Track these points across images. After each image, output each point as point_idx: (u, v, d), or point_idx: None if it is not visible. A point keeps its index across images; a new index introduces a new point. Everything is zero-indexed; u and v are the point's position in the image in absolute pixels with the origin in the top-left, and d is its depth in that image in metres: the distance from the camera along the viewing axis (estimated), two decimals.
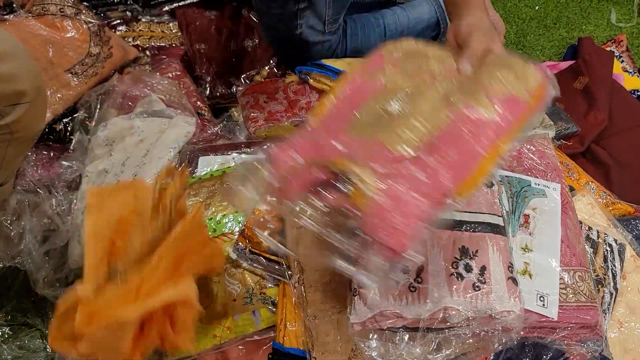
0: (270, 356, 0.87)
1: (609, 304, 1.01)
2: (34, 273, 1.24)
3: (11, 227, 1.27)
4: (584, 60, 1.60)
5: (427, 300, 0.75)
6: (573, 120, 1.44)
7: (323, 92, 1.38)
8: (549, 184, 0.96)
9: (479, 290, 0.76)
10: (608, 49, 1.74)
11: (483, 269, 0.78)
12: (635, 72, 1.67)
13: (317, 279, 0.87)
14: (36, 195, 1.28)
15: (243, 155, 1.16)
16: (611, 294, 1.02)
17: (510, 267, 0.80)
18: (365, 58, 0.81)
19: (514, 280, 0.79)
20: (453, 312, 0.75)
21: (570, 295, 0.85)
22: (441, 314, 0.76)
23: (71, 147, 1.30)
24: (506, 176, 0.95)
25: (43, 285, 1.24)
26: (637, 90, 1.63)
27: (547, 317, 0.82)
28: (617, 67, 1.68)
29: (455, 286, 0.76)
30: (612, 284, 1.02)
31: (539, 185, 0.95)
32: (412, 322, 0.76)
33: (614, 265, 1.04)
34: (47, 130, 1.33)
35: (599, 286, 1.01)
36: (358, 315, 0.77)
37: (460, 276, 0.77)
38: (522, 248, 0.88)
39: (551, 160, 1.00)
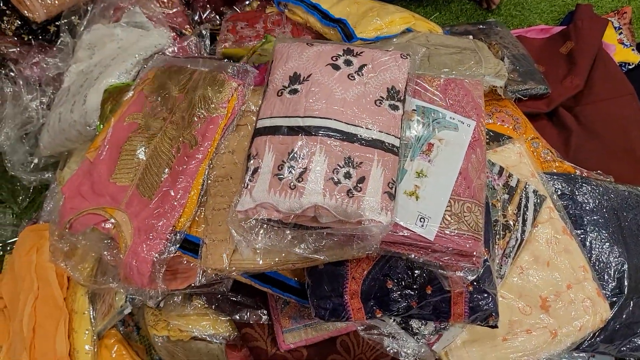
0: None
1: (513, 249, 1.05)
2: (9, 155, 1.38)
3: None
4: (575, 26, 1.57)
5: (302, 198, 0.82)
6: (547, 82, 1.43)
7: (298, 24, 1.43)
8: (464, 120, 0.98)
9: (352, 197, 0.82)
10: (609, 19, 1.69)
11: (362, 179, 0.83)
12: (631, 46, 1.62)
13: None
14: (19, 88, 1.41)
15: None
16: (516, 240, 1.05)
17: (391, 183, 0.85)
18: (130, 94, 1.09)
19: (391, 195, 0.84)
20: (324, 211, 0.81)
21: (453, 223, 0.89)
22: (312, 213, 0.82)
23: (55, 47, 1.41)
24: (422, 106, 0.99)
25: (17, 167, 1.38)
26: (628, 64, 1.58)
27: (423, 237, 0.87)
28: (613, 37, 1.63)
29: (329, 189, 0.82)
30: (520, 230, 1.06)
31: (453, 119, 0.98)
32: (285, 217, 0.83)
33: (526, 214, 1.07)
34: (39, 30, 1.45)
35: (506, 231, 1.05)
36: (242, 204, 0.85)
37: (337, 182, 0.83)
38: (417, 172, 0.92)
39: (475, 100, 1.02)
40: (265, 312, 1.02)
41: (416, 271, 0.92)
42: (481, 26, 1.56)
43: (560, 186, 1.15)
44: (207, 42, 1.51)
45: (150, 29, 1.40)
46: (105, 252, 0.95)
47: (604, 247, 1.12)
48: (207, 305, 1.02)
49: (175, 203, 0.91)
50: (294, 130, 0.86)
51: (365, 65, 0.94)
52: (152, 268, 0.87)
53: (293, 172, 0.83)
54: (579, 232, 1.13)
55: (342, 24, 1.26)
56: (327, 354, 1.03)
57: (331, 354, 1.03)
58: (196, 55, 1.39)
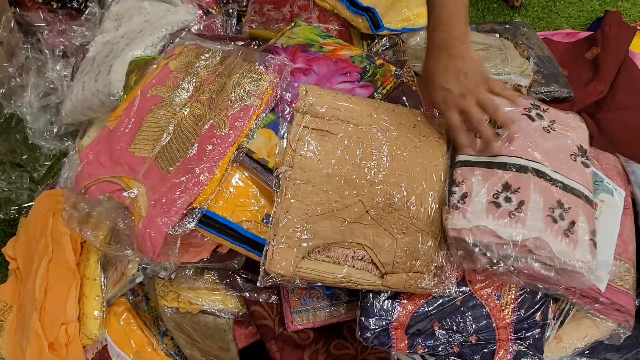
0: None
1: (562, 312, 1.01)
2: (30, 123, 1.39)
3: (18, 80, 1.41)
4: (602, 32, 1.56)
5: (523, 227, 0.82)
6: (571, 87, 1.43)
7: (325, 10, 1.43)
8: (617, 188, 1.03)
9: (568, 237, 0.83)
10: (638, 28, 1.67)
11: (573, 224, 0.85)
12: None
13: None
14: (45, 57, 1.42)
15: None
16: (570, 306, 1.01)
17: (593, 233, 0.87)
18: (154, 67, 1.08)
19: (593, 244, 0.86)
20: (543, 245, 0.82)
21: (617, 279, 0.94)
22: (531, 244, 0.82)
23: (83, 17, 1.42)
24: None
25: (37, 135, 1.39)
26: None
27: (595, 286, 0.91)
28: (639, 46, 1.62)
29: (549, 225, 0.83)
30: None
31: (609, 185, 1.03)
32: (501, 244, 0.82)
33: None
34: None
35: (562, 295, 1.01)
36: (455, 224, 0.84)
37: (554, 220, 0.84)
38: None
39: (620, 171, 1.08)
40: (274, 291, 1.02)
41: (466, 320, 0.91)
42: (507, 26, 1.55)
43: None
44: (234, 21, 1.51)
45: (177, 5, 1.41)
46: (119, 220, 0.95)
47: None
48: (218, 281, 1.02)
49: (197, 180, 0.90)
50: (503, 165, 0.88)
51: (554, 121, 0.96)
52: (166, 240, 0.88)
53: (510, 202, 0.85)
54: None
55: (371, 12, 1.26)
56: (333, 338, 1.03)
57: (337, 339, 1.03)
58: (222, 34, 1.39)
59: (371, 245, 0.87)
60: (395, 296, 0.90)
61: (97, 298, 1.07)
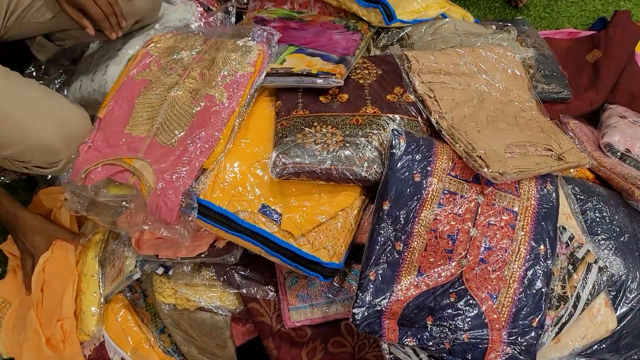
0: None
1: (560, 319, 0.98)
2: None
3: None
4: (607, 33, 1.52)
5: None
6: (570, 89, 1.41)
7: (329, 6, 1.43)
8: None
9: None
10: None
11: None
12: None
13: None
14: None
15: None
16: (570, 315, 0.98)
17: None
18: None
19: None
20: None
21: None
22: None
23: None
24: None
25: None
26: None
27: None
28: None
29: None
30: (571, 305, 0.98)
31: None
32: None
33: (582, 291, 1.00)
34: None
35: (561, 302, 0.97)
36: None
37: None
38: None
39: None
40: (272, 288, 1.02)
41: (459, 317, 0.89)
42: (509, 24, 1.54)
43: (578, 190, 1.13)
44: (233, 19, 1.51)
45: (177, 4, 1.41)
46: (124, 204, 0.96)
47: (617, 256, 1.10)
48: (216, 277, 1.02)
49: (204, 147, 0.94)
50: None
51: None
52: (182, 200, 0.89)
53: None
54: (592, 238, 1.11)
55: (384, 4, 1.26)
56: (331, 336, 1.03)
57: (335, 336, 1.03)
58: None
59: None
60: (389, 286, 0.89)
61: (94, 294, 1.07)
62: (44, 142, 0.98)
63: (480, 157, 0.90)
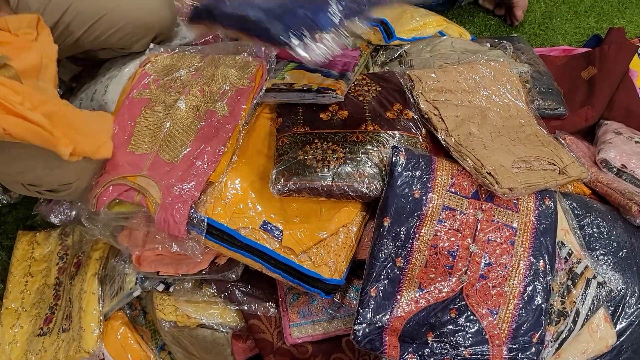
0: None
1: (560, 335, 0.97)
2: None
3: None
4: (601, 50, 1.55)
5: None
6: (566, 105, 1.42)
7: None
8: None
9: None
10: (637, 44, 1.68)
11: None
12: None
13: None
14: None
15: None
16: (569, 330, 0.97)
17: None
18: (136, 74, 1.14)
19: None
20: None
21: None
22: None
23: None
24: None
25: None
26: None
27: None
28: (636, 63, 1.63)
29: None
30: (571, 321, 0.98)
31: None
32: None
33: (581, 307, 0.99)
34: None
35: (561, 318, 0.96)
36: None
37: None
38: None
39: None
40: (273, 305, 1.02)
41: (460, 333, 0.89)
42: (504, 41, 1.57)
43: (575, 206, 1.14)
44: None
45: (179, 25, 1.42)
46: (133, 221, 0.97)
47: (615, 271, 1.10)
48: (217, 294, 1.02)
49: (210, 161, 0.96)
50: None
51: None
52: (189, 212, 0.90)
53: None
54: (590, 253, 1.11)
55: (384, 23, 1.29)
56: (332, 352, 1.02)
57: (336, 352, 1.03)
58: None
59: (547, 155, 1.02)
60: (390, 302, 0.90)
61: (94, 312, 1.06)
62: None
63: (489, 174, 0.92)
